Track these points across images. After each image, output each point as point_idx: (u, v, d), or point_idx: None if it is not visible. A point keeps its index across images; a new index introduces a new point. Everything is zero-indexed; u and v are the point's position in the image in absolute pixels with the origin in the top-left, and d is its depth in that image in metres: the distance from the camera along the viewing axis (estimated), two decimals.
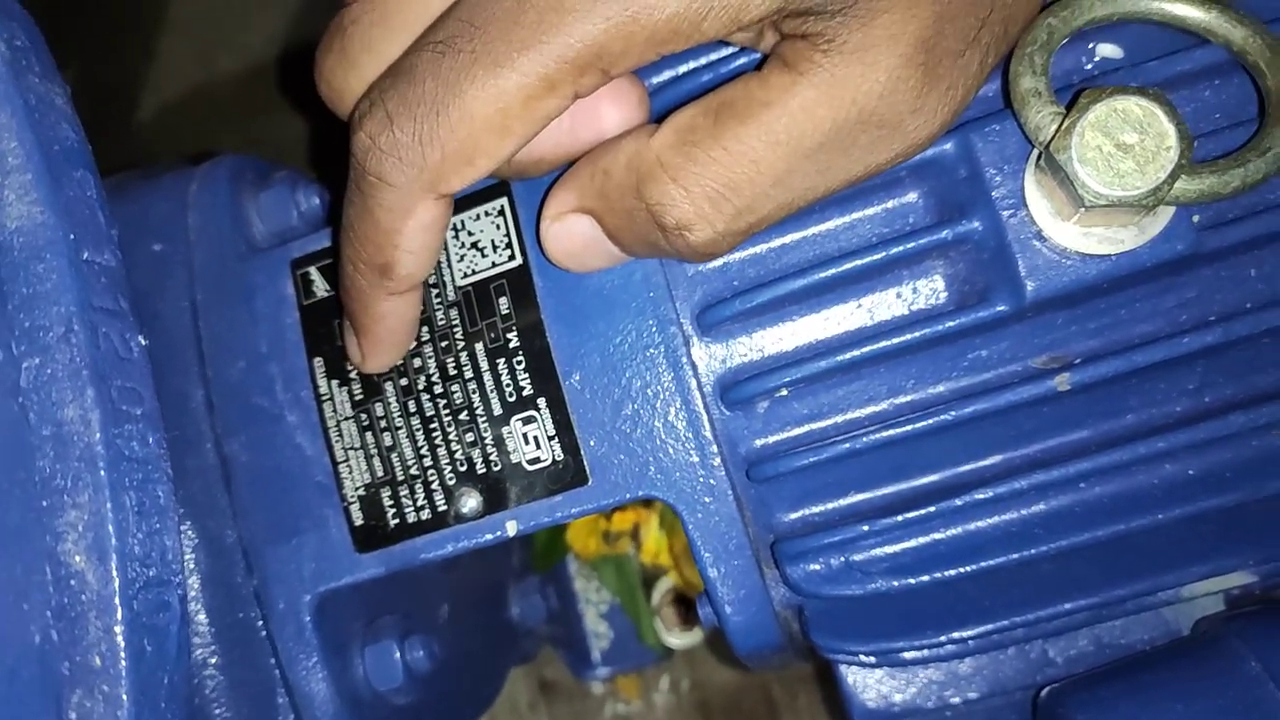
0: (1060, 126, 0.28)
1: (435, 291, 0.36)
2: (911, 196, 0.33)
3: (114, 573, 0.24)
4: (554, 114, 0.29)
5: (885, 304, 0.34)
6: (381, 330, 0.33)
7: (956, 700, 0.38)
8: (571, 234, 0.33)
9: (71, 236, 0.26)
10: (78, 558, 0.24)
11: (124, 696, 0.24)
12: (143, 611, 0.24)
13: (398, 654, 0.38)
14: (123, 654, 0.24)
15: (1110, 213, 0.28)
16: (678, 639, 0.62)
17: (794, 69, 0.27)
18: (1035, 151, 0.30)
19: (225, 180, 0.41)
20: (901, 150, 0.29)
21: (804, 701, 0.62)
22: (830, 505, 0.35)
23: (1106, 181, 0.27)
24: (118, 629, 0.24)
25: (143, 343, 0.27)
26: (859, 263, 0.33)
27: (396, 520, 0.36)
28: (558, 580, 0.62)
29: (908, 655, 0.35)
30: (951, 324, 0.32)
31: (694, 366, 0.34)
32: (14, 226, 0.25)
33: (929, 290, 0.33)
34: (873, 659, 0.35)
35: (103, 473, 0.24)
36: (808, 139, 0.28)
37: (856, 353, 0.33)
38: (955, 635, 0.34)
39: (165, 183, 0.41)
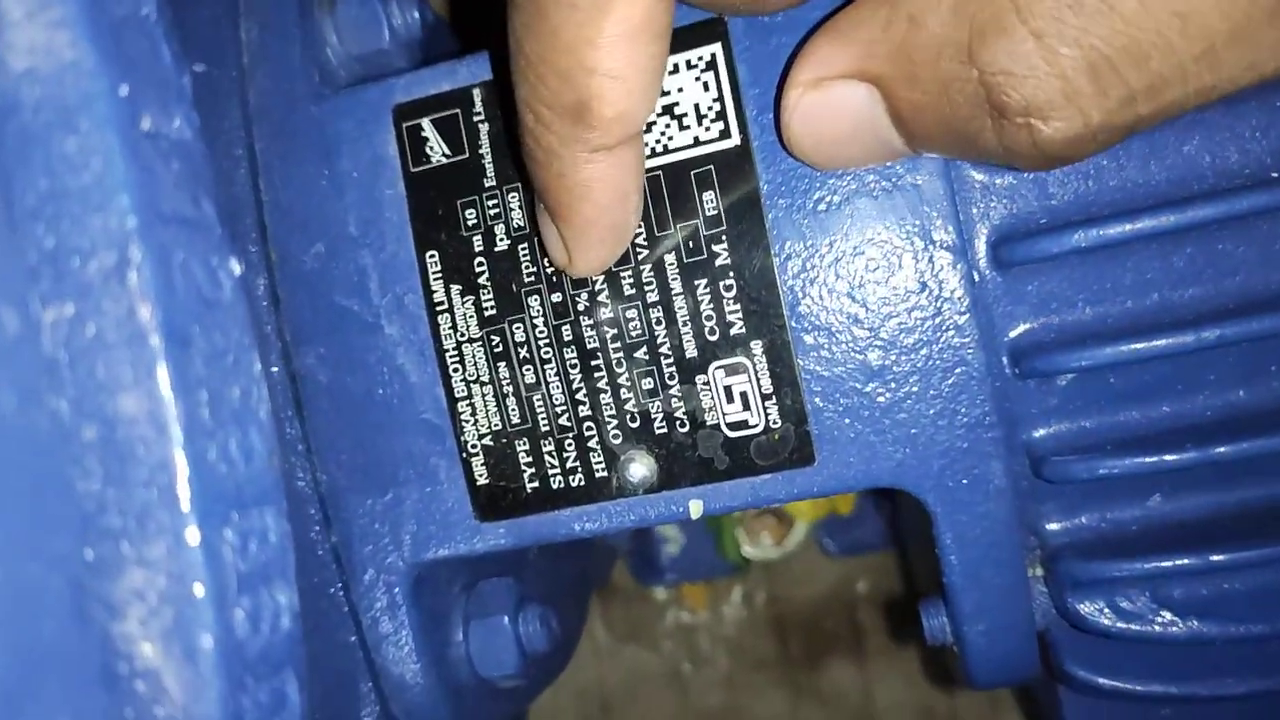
0: None
1: None
2: None
3: (209, 674, 0.15)
4: None
5: (1272, 262, 0.24)
6: (589, 211, 0.23)
7: None
8: (836, 112, 0.22)
9: (124, 90, 0.15)
10: (147, 647, 0.14)
11: None
12: None
13: (511, 632, 0.30)
14: None
15: None
16: (761, 552, 0.55)
17: None
18: None
19: None
20: None
21: (894, 627, 0.56)
22: (1131, 514, 0.26)
23: None
24: None
25: (236, 272, 0.17)
26: (1245, 202, 0.23)
27: (536, 484, 0.26)
28: None
29: (1189, 699, 0.27)
30: None
31: (981, 317, 0.24)
32: (23, 68, 0.14)
33: None
34: (1143, 699, 0.27)
35: (187, 506, 0.15)
36: None
37: (1219, 332, 0.23)
38: (1262, 686, 0.26)
39: None
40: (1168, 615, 0.25)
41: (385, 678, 0.29)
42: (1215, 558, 0.24)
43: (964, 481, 0.25)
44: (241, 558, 0.16)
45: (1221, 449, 0.23)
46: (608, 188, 0.22)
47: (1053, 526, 0.26)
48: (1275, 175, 0.23)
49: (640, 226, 0.25)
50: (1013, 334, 0.25)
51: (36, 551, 0.13)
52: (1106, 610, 0.25)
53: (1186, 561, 0.24)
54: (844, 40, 0.22)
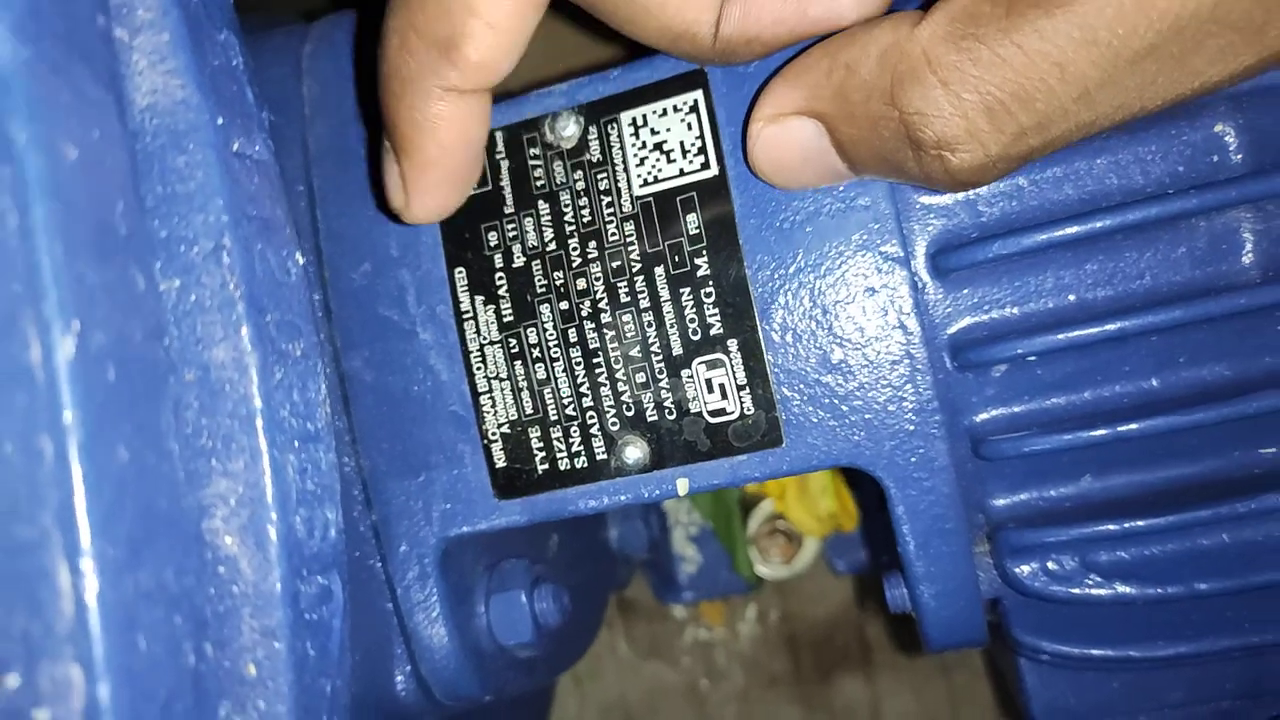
0: None
1: (607, 200, 0.30)
2: (1222, 129, 0.27)
3: (274, 560, 0.19)
4: None
5: (1172, 266, 0.28)
6: (432, 149, 0.25)
7: (1152, 706, 0.34)
8: (790, 142, 0.27)
9: (220, 120, 0.20)
10: (228, 539, 0.19)
11: (283, 711, 0.19)
12: (306, 606, 0.20)
13: (527, 606, 0.34)
14: (284, 660, 0.19)
15: None
16: (772, 570, 0.58)
17: None
18: None
19: (344, 43, 0.34)
20: (1252, 63, 0.22)
21: (900, 642, 0.58)
22: (1065, 492, 0.29)
23: None
24: (277, 629, 0.19)
25: (300, 261, 0.21)
26: (1144, 212, 0.27)
27: (546, 466, 0.31)
28: (656, 505, 0.58)
29: (1124, 662, 0.30)
30: (1256, 299, 0.26)
31: (923, 317, 0.28)
32: (145, 104, 0.19)
33: (1229, 252, 0.27)
34: (1082, 663, 0.30)
35: (261, 433, 0.19)
36: (1137, 40, 0.21)
37: (1128, 323, 0.27)
38: (1189, 649, 0.29)
39: (275, 41, 0.35)
40: (1095, 578, 0.28)
41: (416, 640, 0.33)
42: (1132, 524, 0.27)
43: (912, 460, 0.29)
44: (300, 478, 0.20)
45: (1131, 426, 0.27)
46: (453, 129, 0.24)
47: (997, 504, 0.30)
48: (1171, 192, 0.27)
49: (635, 244, 0.30)
50: (951, 331, 0.29)
51: (154, 444, 0.17)
52: (1040, 573, 0.29)
53: (1109, 528, 0.28)
54: (795, 83, 0.26)
